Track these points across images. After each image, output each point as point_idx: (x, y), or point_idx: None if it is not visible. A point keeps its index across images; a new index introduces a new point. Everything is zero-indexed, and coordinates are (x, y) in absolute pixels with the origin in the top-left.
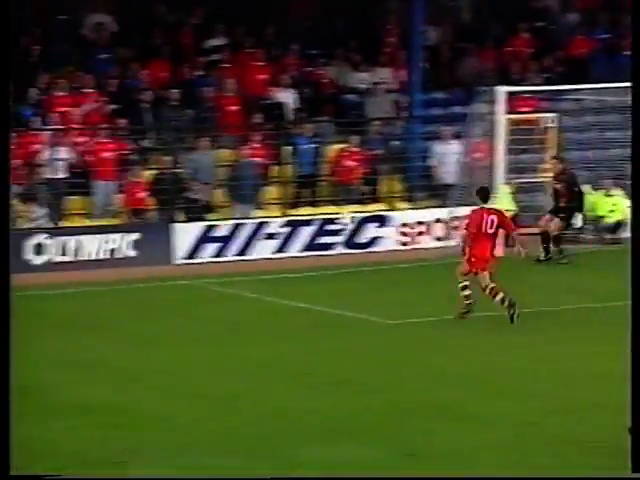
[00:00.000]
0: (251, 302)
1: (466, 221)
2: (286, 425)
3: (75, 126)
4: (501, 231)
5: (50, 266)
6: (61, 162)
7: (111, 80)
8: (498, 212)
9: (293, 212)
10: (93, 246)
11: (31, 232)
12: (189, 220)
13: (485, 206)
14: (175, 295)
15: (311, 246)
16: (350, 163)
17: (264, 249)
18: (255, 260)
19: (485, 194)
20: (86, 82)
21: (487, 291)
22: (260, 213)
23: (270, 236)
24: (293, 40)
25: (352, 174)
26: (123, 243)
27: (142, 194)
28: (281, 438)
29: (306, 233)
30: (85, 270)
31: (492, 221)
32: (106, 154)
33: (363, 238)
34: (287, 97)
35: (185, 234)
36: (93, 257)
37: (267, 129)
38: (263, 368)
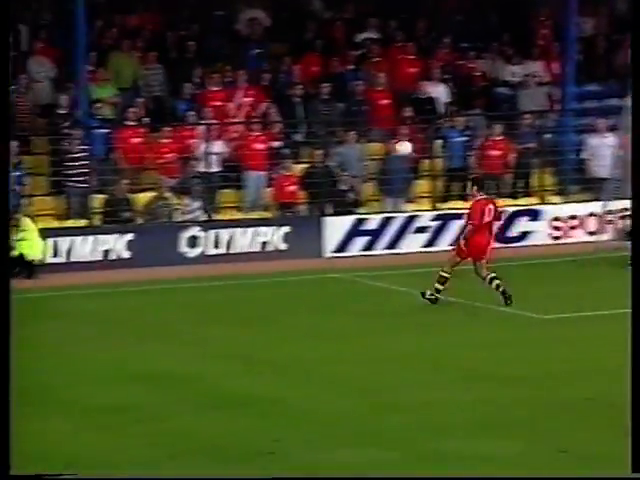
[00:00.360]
0: (401, 296)
1: (469, 212)
2: (433, 417)
3: (228, 120)
4: None
5: (203, 259)
6: (215, 156)
7: (264, 74)
8: (493, 201)
9: (443, 206)
10: (245, 239)
11: (185, 225)
12: (339, 214)
13: (484, 196)
14: (326, 288)
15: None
16: (495, 152)
17: (414, 243)
18: (405, 254)
19: (482, 183)
20: (239, 77)
21: (487, 280)
22: (410, 207)
23: (420, 230)
24: (444, 34)
25: (498, 164)
26: (274, 236)
27: (292, 187)
28: (426, 430)
29: (456, 227)
30: (237, 263)
31: (490, 210)
32: (258, 147)
33: (514, 232)
34: (438, 91)
35: (335, 227)
36: (245, 250)
37: (417, 123)
38: (412, 361)
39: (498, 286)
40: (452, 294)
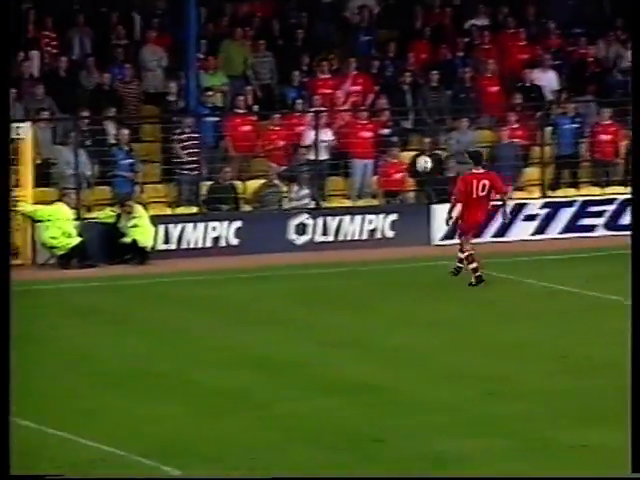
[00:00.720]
0: (510, 284)
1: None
2: (541, 407)
3: (337, 108)
4: None
5: (312, 246)
6: (323, 143)
7: (372, 62)
8: (489, 174)
9: (553, 193)
10: (353, 227)
11: (294, 212)
12: (447, 201)
13: (475, 171)
14: (434, 276)
15: (571, 228)
16: (606, 138)
17: (523, 230)
18: (514, 241)
19: (478, 158)
20: (348, 64)
21: (465, 256)
22: (519, 194)
23: (529, 217)
24: (555, 19)
25: (609, 151)
26: (382, 224)
27: (400, 175)
28: (537, 419)
29: (566, 214)
30: (345, 250)
31: (484, 185)
32: (365, 135)
33: (626, 220)
34: (548, 77)
35: (443, 215)
36: (353, 237)
37: (527, 109)
38: (519, 350)
39: (475, 269)
40: (560, 282)
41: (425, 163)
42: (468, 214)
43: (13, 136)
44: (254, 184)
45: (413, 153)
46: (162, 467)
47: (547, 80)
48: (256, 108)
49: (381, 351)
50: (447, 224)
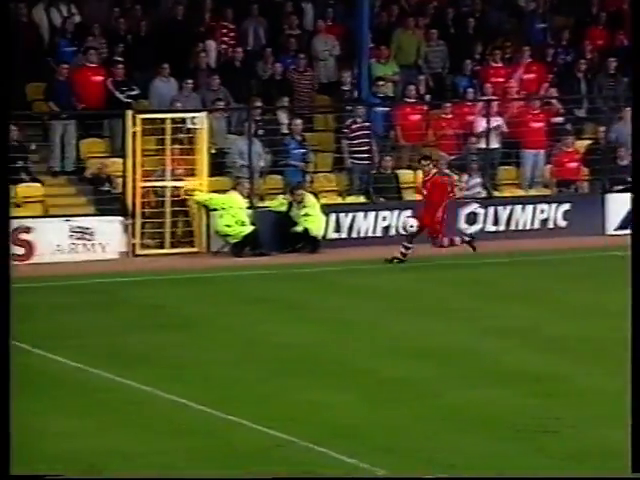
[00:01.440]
0: None
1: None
2: None
3: (509, 97)
4: None
5: (483, 235)
6: (495, 132)
7: (547, 49)
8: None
9: None
10: (525, 216)
11: (465, 201)
12: (622, 190)
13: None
14: (608, 266)
15: None
16: None
17: None
18: None
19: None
20: (522, 52)
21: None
22: None
23: None
24: None
25: None
26: (555, 213)
27: (574, 164)
28: None
29: None
30: (516, 240)
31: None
32: (537, 124)
33: None
34: None
35: (617, 204)
36: (525, 227)
37: None
38: None
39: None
40: None
41: (410, 226)
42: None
43: (189, 126)
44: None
45: (588, 142)
46: (344, 459)
47: None
48: (427, 97)
49: (550, 340)
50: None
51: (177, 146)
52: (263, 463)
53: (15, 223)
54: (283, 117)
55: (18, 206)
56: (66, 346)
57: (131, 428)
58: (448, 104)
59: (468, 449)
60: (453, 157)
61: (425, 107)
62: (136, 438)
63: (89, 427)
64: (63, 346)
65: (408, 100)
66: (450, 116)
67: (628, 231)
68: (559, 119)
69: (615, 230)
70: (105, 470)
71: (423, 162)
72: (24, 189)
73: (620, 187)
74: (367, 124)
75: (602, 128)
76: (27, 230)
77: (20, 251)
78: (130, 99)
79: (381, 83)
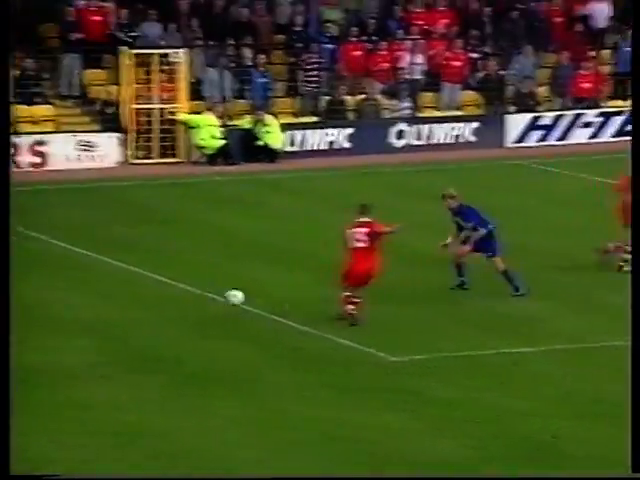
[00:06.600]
0: (568, 178)
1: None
2: None
3: (430, 37)
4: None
5: (408, 148)
6: (418, 66)
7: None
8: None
9: (606, 104)
10: (441, 133)
11: (394, 121)
12: (517, 112)
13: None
14: (505, 173)
15: (621, 132)
16: None
17: (581, 136)
18: (573, 144)
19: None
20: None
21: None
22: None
23: (586, 125)
24: None
25: None
26: (465, 130)
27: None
28: None
29: (617, 122)
30: (434, 152)
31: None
32: (454, 62)
33: None
34: (601, 8)
35: (515, 123)
36: (441, 141)
37: (583, 36)
38: None
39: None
40: (608, 176)
41: (233, 297)
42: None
43: (172, 59)
44: (358, 98)
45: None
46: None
47: (600, 11)
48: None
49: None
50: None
51: (163, 75)
52: (222, 327)
53: (32, 138)
54: (247, 52)
55: (35, 123)
56: (73, 236)
57: (124, 301)
58: (383, 43)
59: None
60: (386, 86)
61: (364, 45)
62: (129, 307)
63: (93, 300)
64: (71, 236)
65: (351, 39)
66: (384, 52)
67: (523, 144)
68: (475, 55)
69: (512, 144)
70: (109, 336)
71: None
72: (39, 110)
73: (514, 109)
74: (317, 59)
75: (493, 63)
76: (42, 143)
77: (37, 160)
78: (129, 38)
79: (328, 25)
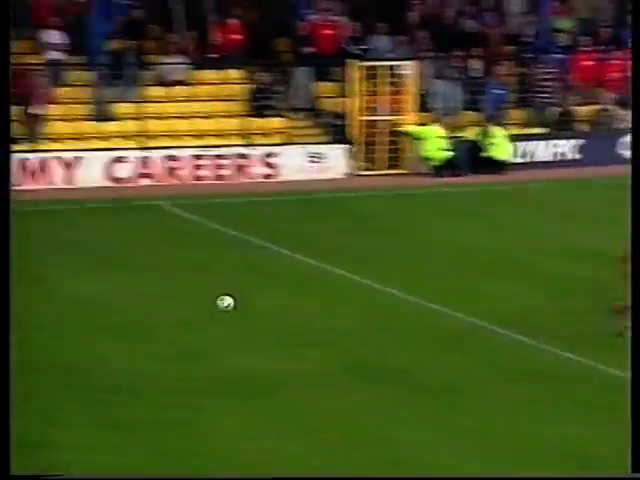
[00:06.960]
0: None
1: None
2: None
3: None
4: None
5: None
6: None
7: None
8: None
9: None
10: None
11: (624, 132)
12: None
13: None
14: None
15: None
16: None
17: None
18: None
19: None
20: None
21: None
22: None
23: None
24: None
25: None
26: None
27: None
28: None
29: None
30: None
31: None
32: None
33: None
34: None
35: None
36: None
37: None
38: None
39: None
40: None
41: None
42: None
43: (400, 71)
44: (595, 109)
45: None
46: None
47: None
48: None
49: None
50: None
51: (391, 88)
52: (448, 340)
53: (264, 149)
54: (476, 64)
55: (266, 135)
56: (301, 246)
57: (352, 308)
58: (616, 52)
59: None
60: (618, 95)
61: (596, 55)
62: (353, 316)
63: (324, 309)
64: (299, 246)
65: (582, 49)
66: (617, 62)
67: None
68: None
69: None
70: (339, 347)
71: None
72: (271, 122)
73: None
74: (547, 69)
75: None
76: (273, 155)
77: (268, 172)
78: (359, 51)
79: (559, 34)
